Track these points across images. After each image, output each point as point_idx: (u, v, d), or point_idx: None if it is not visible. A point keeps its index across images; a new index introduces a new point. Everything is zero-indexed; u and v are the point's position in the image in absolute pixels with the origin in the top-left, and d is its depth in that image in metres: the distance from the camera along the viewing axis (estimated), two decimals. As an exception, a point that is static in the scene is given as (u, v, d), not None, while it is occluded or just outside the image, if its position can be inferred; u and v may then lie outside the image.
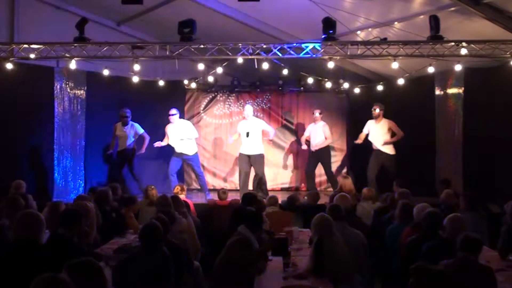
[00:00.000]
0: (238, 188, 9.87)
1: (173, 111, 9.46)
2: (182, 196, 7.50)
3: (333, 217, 4.80)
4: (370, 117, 9.72)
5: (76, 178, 9.64)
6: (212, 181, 11.24)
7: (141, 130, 9.56)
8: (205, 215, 7.75)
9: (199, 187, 10.19)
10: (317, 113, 10.11)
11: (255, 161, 9.46)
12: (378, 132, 9.49)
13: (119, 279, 4.03)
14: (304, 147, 10.27)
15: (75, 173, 9.65)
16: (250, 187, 9.63)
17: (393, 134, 9.46)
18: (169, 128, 9.49)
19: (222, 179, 11.31)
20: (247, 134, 9.41)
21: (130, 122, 9.53)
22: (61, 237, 4.07)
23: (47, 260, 3.54)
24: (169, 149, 9.58)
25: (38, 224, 3.80)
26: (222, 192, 8.14)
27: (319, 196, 8.10)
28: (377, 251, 5.64)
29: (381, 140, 9.43)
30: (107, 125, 9.66)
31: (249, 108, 9.68)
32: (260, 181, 9.49)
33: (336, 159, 11.22)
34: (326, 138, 10.01)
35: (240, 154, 9.59)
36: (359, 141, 9.61)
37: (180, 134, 9.39)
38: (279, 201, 7.77)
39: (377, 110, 9.44)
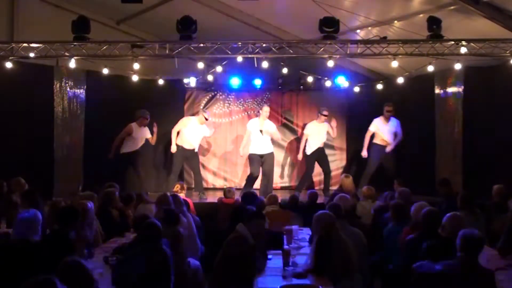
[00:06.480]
0: (240, 187, 9.83)
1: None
2: (182, 195, 7.49)
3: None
4: (370, 115, 9.73)
5: (75, 177, 9.63)
6: (212, 180, 11.24)
7: (149, 135, 9.56)
8: (211, 214, 7.77)
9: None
10: (326, 113, 9.92)
11: (267, 159, 9.47)
12: (390, 130, 9.60)
13: (119, 277, 4.03)
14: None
15: (74, 172, 9.63)
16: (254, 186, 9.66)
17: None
18: (195, 125, 9.58)
19: (223, 178, 11.30)
20: (261, 132, 9.42)
21: None
22: (56, 233, 4.07)
23: (42, 258, 3.54)
24: (167, 149, 9.54)
25: (35, 223, 3.80)
26: (227, 191, 8.11)
27: (317, 195, 8.13)
28: (377, 250, 5.65)
29: (392, 138, 9.56)
30: (106, 124, 9.63)
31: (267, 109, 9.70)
32: (271, 180, 9.51)
33: (336, 158, 11.23)
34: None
35: (253, 156, 9.51)
36: (365, 153, 9.66)
37: (202, 133, 9.71)
38: (279, 200, 7.77)
39: (391, 109, 9.52)
